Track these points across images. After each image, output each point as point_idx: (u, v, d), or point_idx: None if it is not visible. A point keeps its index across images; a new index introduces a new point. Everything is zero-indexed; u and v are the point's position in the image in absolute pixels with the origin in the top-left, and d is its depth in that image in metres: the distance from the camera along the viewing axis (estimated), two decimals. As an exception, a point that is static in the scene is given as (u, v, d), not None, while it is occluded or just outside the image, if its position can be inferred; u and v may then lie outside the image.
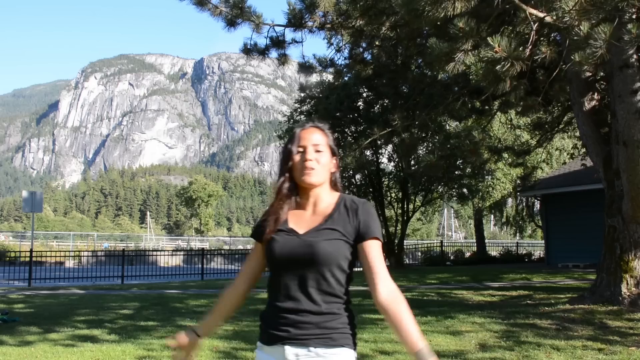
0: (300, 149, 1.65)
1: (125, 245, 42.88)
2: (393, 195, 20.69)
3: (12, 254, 22.25)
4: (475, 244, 26.20)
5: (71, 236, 43.48)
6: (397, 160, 18.92)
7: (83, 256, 21.89)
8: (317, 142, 1.65)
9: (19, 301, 10.06)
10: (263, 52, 8.29)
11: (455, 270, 15.90)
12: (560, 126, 11.85)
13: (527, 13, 4.98)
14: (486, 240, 28.95)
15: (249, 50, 8.26)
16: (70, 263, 20.54)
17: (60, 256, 21.04)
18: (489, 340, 5.64)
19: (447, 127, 16.44)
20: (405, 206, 19.67)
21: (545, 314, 7.13)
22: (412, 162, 16.94)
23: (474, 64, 4.86)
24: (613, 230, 7.67)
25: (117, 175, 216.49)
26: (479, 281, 12.56)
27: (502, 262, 21.46)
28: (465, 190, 20.41)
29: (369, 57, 9.86)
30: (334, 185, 1.71)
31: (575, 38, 4.59)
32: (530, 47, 5.05)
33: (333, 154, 1.70)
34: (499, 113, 12.89)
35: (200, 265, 17.83)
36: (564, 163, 21.63)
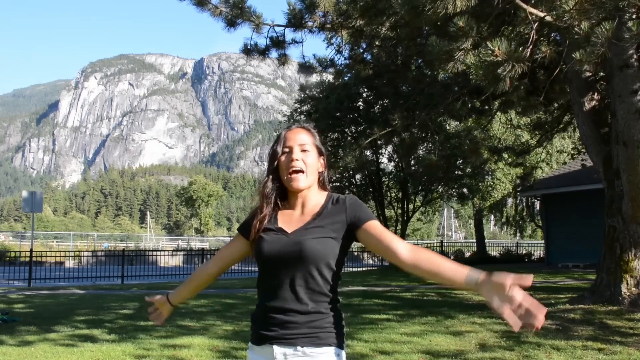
0: (286, 150, 1.65)
1: (125, 245, 42.88)
2: (393, 195, 20.69)
3: (12, 254, 22.25)
4: (475, 244, 26.21)
5: (71, 236, 43.46)
6: (397, 160, 18.92)
7: (83, 256, 21.89)
8: (303, 142, 1.65)
9: (19, 301, 10.06)
10: (263, 52, 8.29)
11: (455, 270, 15.86)
12: (560, 126, 11.84)
13: (528, 12, 4.97)
14: (486, 240, 28.96)
15: (249, 50, 8.26)
16: (70, 263, 20.54)
17: (60, 256, 21.04)
18: (489, 340, 5.64)
19: (447, 127, 16.44)
20: (405, 206, 19.67)
21: (545, 314, 7.13)
22: (412, 162, 16.94)
23: (474, 64, 4.86)
24: (613, 230, 7.67)
25: (117, 175, 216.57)
26: (479, 281, 12.55)
27: (502, 262, 21.47)
28: (465, 190, 20.41)
29: (369, 57, 9.85)
30: (322, 185, 1.71)
31: (576, 37, 4.59)
32: (530, 47, 5.04)
33: (320, 153, 1.70)
34: (499, 113, 12.88)
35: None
36: (564, 163, 21.65)
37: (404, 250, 1.52)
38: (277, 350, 1.57)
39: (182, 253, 25.32)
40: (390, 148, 17.94)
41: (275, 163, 1.66)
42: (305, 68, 9.00)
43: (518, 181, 20.56)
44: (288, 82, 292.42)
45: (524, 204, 27.08)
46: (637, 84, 6.81)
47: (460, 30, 4.82)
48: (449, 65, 5.13)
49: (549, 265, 16.80)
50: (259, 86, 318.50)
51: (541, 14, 4.93)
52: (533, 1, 5.09)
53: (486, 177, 21.03)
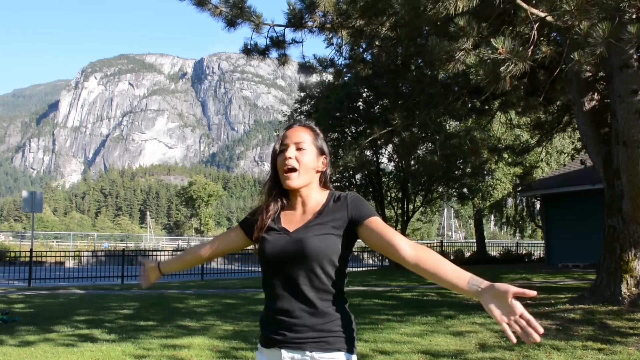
0: (283, 148, 1.65)
1: (125, 245, 42.88)
2: (393, 195, 20.69)
3: (12, 254, 22.26)
4: (475, 244, 26.20)
5: (71, 236, 43.48)
6: (397, 160, 18.92)
7: (83, 256, 21.90)
8: (299, 140, 1.64)
9: (19, 301, 10.06)
10: (263, 52, 8.28)
11: (455, 270, 15.88)
12: (560, 126, 11.85)
13: (528, 13, 4.98)
14: (486, 240, 28.95)
15: (249, 50, 8.25)
16: (70, 263, 20.54)
17: (60, 256, 21.04)
18: (489, 340, 5.64)
19: (447, 127, 16.44)
20: (405, 206, 19.68)
21: (545, 314, 7.12)
22: (412, 162, 16.95)
23: (475, 64, 4.86)
24: (613, 230, 7.67)
25: (117, 175, 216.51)
26: (479, 281, 12.55)
27: (502, 262, 21.47)
28: (465, 190, 20.42)
29: (369, 57, 9.85)
30: (324, 184, 1.70)
31: (576, 37, 4.59)
32: (531, 47, 5.04)
33: (322, 152, 1.68)
34: (498, 113, 12.88)
35: (200, 265, 17.83)
36: (564, 165, 21.65)
37: (407, 247, 1.49)
38: (286, 354, 1.55)
39: (182, 253, 25.25)
40: (390, 148, 17.94)
41: (275, 162, 1.67)
42: (305, 68, 8.99)
43: (518, 181, 20.59)
44: (288, 82, 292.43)
45: (524, 204, 27.09)
46: (637, 83, 6.81)
47: (461, 30, 4.82)
48: (449, 66, 5.13)
49: (549, 265, 16.80)
50: (259, 86, 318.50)
51: (542, 14, 4.94)
52: (534, 1, 5.09)
53: (486, 177, 21.03)
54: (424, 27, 7.33)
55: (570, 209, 16.26)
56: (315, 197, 1.66)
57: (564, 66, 7.01)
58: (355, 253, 21.89)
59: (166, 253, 24.07)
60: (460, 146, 10.80)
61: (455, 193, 20.92)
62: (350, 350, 1.56)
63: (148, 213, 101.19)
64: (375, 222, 1.56)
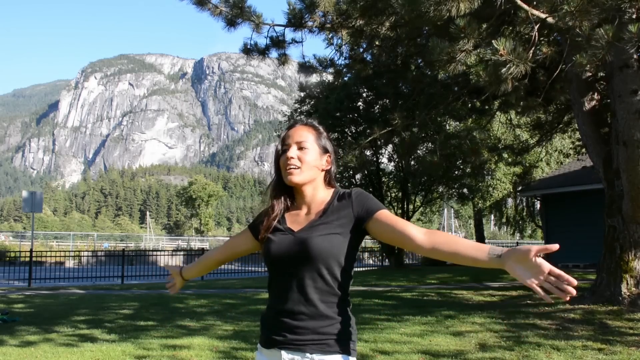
0: (285, 148, 1.63)
1: (125, 245, 42.90)
2: (393, 195, 20.69)
3: (12, 254, 22.26)
4: (475, 244, 26.14)
5: (71, 236, 43.46)
6: (397, 160, 18.92)
7: (83, 256, 21.90)
8: (301, 139, 1.62)
9: (19, 301, 10.06)
10: (263, 52, 8.28)
11: (455, 270, 15.90)
12: (560, 126, 11.85)
13: (529, 13, 4.98)
14: (486, 240, 28.98)
15: (249, 50, 8.25)
16: (70, 263, 20.55)
17: (60, 256, 21.04)
18: (489, 340, 5.64)
19: (447, 127, 16.44)
20: (405, 206, 19.67)
21: (545, 314, 7.13)
22: (412, 162, 16.95)
23: (475, 64, 4.86)
24: (613, 230, 7.67)
25: (117, 175, 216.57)
26: (479, 281, 12.56)
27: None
28: (465, 190, 20.41)
29: (369, 57, 9.85)
30: (328, 183, 1.68)
31: (577, 39, 4.59)
32: (532, 48, 5.04)
33: (325, 151, 1.66)
34: (498, 113, 12.88)
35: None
36: (561, 163, 21.66)
37: (420, 234, 1.47)
38: (286, 356, 1.54)
39: (182, 253, 25.31)
40: (390, 148, 17.94)
41: (278, 162, 1.66)
42: (305, 68, 8.99)
43: (518, 180, 20.59)
44: (288, 82, 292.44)
45: (524, 204, 27.09)
46: (637, 83, 6.81)
47: (462, 31, 4.82)
48: (449, 67, 5.13)
49: (549, 265, 16.77)
50: (259, 86, 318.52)
51: (542, 15, 4.94)
52: (535, 2, 5.09)
53: (486, 177, 21.03)
54: (424, 27, 7.33)
55: (570, 209, 16.27)
56: (321, 196, 1.64)
57: (564, 66, 7.01)
58: (356, 253, 21.85)
59: (166, 253, 24.09)
60: (460, 146, 10.80)
61: (455, 193, 20.91)
62: (350, 353, 1.55)
63: (148, 213, 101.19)
64: (384, 214, 1.54)
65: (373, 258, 24.79)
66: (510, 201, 27.59)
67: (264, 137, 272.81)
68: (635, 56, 6.91)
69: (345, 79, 15.78)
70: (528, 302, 8.42)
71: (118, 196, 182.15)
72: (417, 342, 5.56)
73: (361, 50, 9.57)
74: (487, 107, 10.87)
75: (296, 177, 1.59)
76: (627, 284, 7.39)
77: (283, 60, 8.43)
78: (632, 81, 6.81)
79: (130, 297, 10.69)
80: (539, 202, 20.85)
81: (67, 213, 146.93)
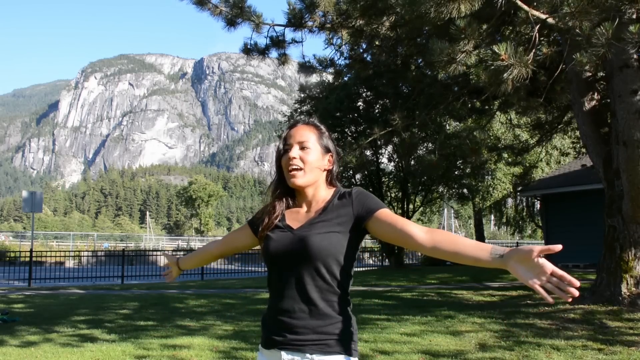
0: (287, 148, 1.62)
1: (125, 245, 42.89)
2: (393, 195, 20.69)
3: (12, 254, 22.26)
4: (475, 244, 26.13)
5: (71, 236, 43.48)
6: (397, 160, 18.93)
7: (83, 256, 21.90)
8: (302, 140, 1.61)
9: (19, 301, 10.06)
10: (263, 52, 8.28)
11: (455, 270, 15.91)
12: (560, 126, 11.85)
13: (529, 14, 4.97)
14: (486, 240, 28.96)
15: (249, 50, 8.25)
16: (70, 263, 20.55)
17: (60, 256, 21.04)
18: (489, 340, 5.64)
19: (447, 127, 16.46)
20: (405, 206, 19.67)
21: (545, 314, 7.13)
22: (412, 162, 16.95)
23: (475, 65, 4.86)
24: (613, 230, 7.67)
25: (117, 175, 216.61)
26: (479, 281, 12.57)
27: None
28: (465, 190, 20.41)
29: (369, 57, 9.85)
30: (330, 182, 1.67)
31: (577, 39, 4.59)
32: (533, 50, 5.04)
33: (327, 150, 1.65)
34: (498, 113, 12.89)
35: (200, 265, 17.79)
36: (558, 162, 21.65)
37: (421, 233, 1.45)
38: (286, 356, 1.53)
39: (182, 253, 25.27)
40: (390, 148, 17.94)
41: (279, 161, 1.65)
42: (305, 68, 8.99)
43: (518, 181, 20.59)
44: (288, 82, 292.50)
45: (524, 204, 27.08)
46: (637, 83, 6.81)
47: (462, 31, 4.82)
48: (450, 68, 5.13)
49: (549, 265, 16.78)
50: (259, 86, 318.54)
51: (542, 16, 4.93)
52: (535, 3, 5.09)
53: (486, 177, 21.04)
54: (424, 27, 7.33)
55: (570, 209, 16.27)
56: (322, 195, 1.63)
57: (564, 66, 7.01)
58: (355, 253, 21.86)
59: (166, 253, 24.06)
60: (460, 146, 10.81)
61: (455, 193, 20.91)
62: (351, 353, 1.54)
63: (148, 213, 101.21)
64: (385, 213, 1.53)
65: (373, 258, 24.79)
66: (510, 201, 27.59)
67: (264, 137, 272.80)
68: (635, 56, 6.91)
69: (345, 79, 15.78)
70: (528, 302, 8.42)
71: (118, 196, 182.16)
72: (417, 342, 5.56)
73: (361, 50, 9.57)
74: (487, 107, 10.87)
75: (299, 180, 1.58)
76: (627, 284, 7.39)
77: (283, 60, 8.43)
78: (632, 81, 6.81)
79: (130, 297, 10.69)
80: (539, 202, 20.85)
81: (67, 213, 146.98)
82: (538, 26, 5.22)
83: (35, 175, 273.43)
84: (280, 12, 8.12)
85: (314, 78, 16.78)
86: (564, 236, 16.50)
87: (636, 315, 6.69)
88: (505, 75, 4.67)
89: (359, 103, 18.35)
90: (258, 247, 1.74)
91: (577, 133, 11.51)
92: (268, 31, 7.98)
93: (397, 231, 1.49)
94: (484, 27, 5.58)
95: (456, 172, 18.00)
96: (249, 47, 8.23)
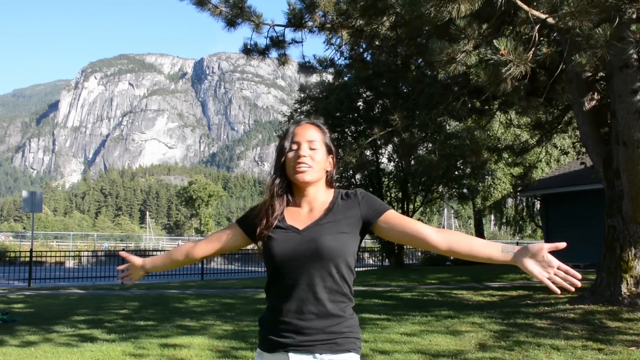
0: (294, 146, 1.60)
1: (125, 245, 42.91)
2: (393, 195, 20.69)
3: (12, 254, 22.27)
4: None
5: (71, 236, 43.49)
6: (397, 160, 18.93)
7: (83, 256, 21.90)
8: (311, 139, 1.61)
9: (19, 301, 10.06)
10: (263, 52, 8.28)
11: (455, 270, 15.91)
12: (560, 126, 11.84)
13: (529, 14, 4.97)
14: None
15: (249, 50, 8.25)
16: (70, 263, 20.54)
17: (60, 256, 21.04)
18: (489, 340, 5.64)
19: (447, 127, 16.45)
20: (405, 206, 19.67)
21: (545, 314, 7.13)
22: (412, 162, 16.95)
23: (475, 64, 4.86)
24: (613, 230, 7.67)
25: (117, 175, 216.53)
26: (479, 281, 12.57)
27: (502, 262, 21.38)
28: (465, 190, 20.41)
29: (369, 57, 9.85)
30: (329, 183, 1.67)
31: (577, 39, 4.59)
32: (532, 48, 5.04)
33: (329, 151, 1.66)
34: (498, 113, 12.88)
35: (200, 265, 17.83)
36: (557, 161, 21.64)
37: (434, 234, 1.53)
38: (294, 358, 1.51)
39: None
40: (390, 148, 17.94)
41: (283, 159, 1.62)
42: (305, 68, 8.99)
43: (518, 181, 20.59)
44: (288, 82, 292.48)
45: (524, 204, 27.07)
46: (637, 83, 6.81)
47: (462, 31, 4.82)
48: (450, 67, 5.13)
49: (549, 265, 16.77)
50: (259, 86, 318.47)
51: (542, 16, 4.93)
52: (534, 3, 5.09)
53: (486, 177, 21.03)
54: (424, 27, 7.32)
55: (570, 209, 16.27)
56: (322, 195, 1.63)
57: (564, 66, 7.01)
58: (355, 253, 21.86)
59: (166, 253, 24.07)
60: (460, 146, 10.80)
61: (455, 193, 20.91)
62: (358, 351, 1.55)
63: (148, 213, 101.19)
64: (393, 215, 1.58)
65: (373, 258, 24.79)
66: (510, 201, 27.58)
67: (264, 137, 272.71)
68: (635, 56, 6.91)
69: (345, 79, 15.77)
70: (528, 302, 8.42)
71: (118, 196, 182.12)
72: (416, 342, 5.56)
73: (361, 50, 9.57)
74: (487, 107, 10.87)
75: (308, 176, 1.58)
76: (627, 283, 7.39)
77: (283, 60, 8.43)
78: (632, 81, 6.81)
79: (130, 297, 10.69)
80: (539, 202, 20.85)
81: (67, 213, 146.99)
82: (538, 26, 5.21)
83: (35, 175, 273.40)
84: (280, 12, 8.14)
85: (314, 78, 16.77)
86: (564, 236, 16.38)
87: (636, 315, 6.69)
88: (504, 71, 4.67)
89: (359, 103, 18.35)
90: (249, 247, 1.72)
91: (577, 133, 11.50)
92: (268, 31, 7.99)
93: (409, 233, 1.55)
94: (484, 27, 5.57)
95: (456, 172, 18.00)
96: (249, 47, 8.23)
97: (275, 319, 1.55)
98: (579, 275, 1.40)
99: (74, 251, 27.53)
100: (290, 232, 1.56)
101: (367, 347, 5.34)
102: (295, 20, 7.66)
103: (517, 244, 27.72)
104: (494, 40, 4.77)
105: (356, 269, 1.64)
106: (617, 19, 4.71)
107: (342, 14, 7.40)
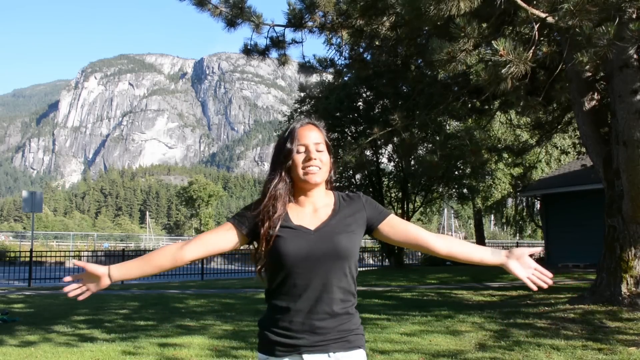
0: (302, 148, 1.60)
1: (125, 245, 42.91)
2: (393, 195, 20.69)
3: (12, 254, 22.27)
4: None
5: (71, 236, 43.51)
6: (397, 160, 18.92)
7: (83, 256, 21.89)
8: (317, 141, 1.62)
9: (19, 301, 10.06)
10: (263, 52, 8.28)
11: (455, 270, 15.91)
12: (560, 126, 11.84)
13: (529, 13, 4.97)
14: (486, 240, 28.95)
15: (249, 50, 8.25)
16: (70, 263, 20.54)
17: (60, 256, 21.03)
18: (489, 340, 5.64)
19: (447, 127, 16.45)
20: (405, 206, 19.67)
21: (545, 314, 7.12)
22: (412, 162, 16.95)
23: (475, 64, 4.86)
24: (613, 230, 7.66)
25: (117, 175, 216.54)
26: (479, 281, 12.56)
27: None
28: (465, 190, 20.41)
29: (369, 57, 9.84)
30: (327, 184, 1.69)
31: (578, 38, 4.59)
32: (532, 48, 5.04)
33: (330, 152, 1.67)
34: (498, 113, 12.88)
35: (200, 265, 17.83)
36: (558, 160, 21.63)
37: (435, 239, 1.67)
38: (308, 359, 1.50)
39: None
40: (390, 148, 17.95)
41: (289, 161, 1.59)
42: (305, 68, 8.99)
43: (518, 181, 20.59)
44: (288, 82, 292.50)
45: (524, 204, 27.08)
46: (637, 83, 6.81)
47: (462, 30, 4.82)
48: (450, 67, 5.13)
49: (549, 265, 16.78)
50: (259, 86, 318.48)
51: (542, 15, 4.93)
52: (535, 2, 5.09)
53: (486, 177, 21.03)
54: (424, 27, 7.32)
55: (570, 209, 16.27)
56: (323, 195, 1.65)
57: (564, 66, 7.01)
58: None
59: (166, 253, 24.06)
60: (460, 146, 10.80)
61: (455, 193, 20.92)
62: (364, 347, 1.60)
63: (148, 213, 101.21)
64: (396, 219, 1.67)
65: (373, 258, 24.79)
66: (510, 201, 27.59)
67: (264, 137, 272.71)
68: (635, 56, 6.91)
69: (345, 79, 15.79)
70: (528, 302, 8.42)
71: (118, 196, 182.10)
72: (416, 342, 5.56)
73: (361, 50, 9.57)
74: (487, 107, 10.86)
75: (318, 177, 1.60)
76: (627, 283, 7.38)
77: (283, 60, 8.43)
78: (632, 81, 6.80)
79: (130, 297, 10.69)
80: (539, 202, 20.86)
81: (67, 213, 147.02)
82: (538, 25, 5.21)
83: (35, 175, 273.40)
84: (280, 12, 8.13)
85: (314, 78, 16.78)
86: (564, 236, 16.53)
87: (636, 315, 6.68)
88: (504, 71, 4.67)
89: (359, 103, 18.35)
90: (243, 247, 1.68)
91: (577, 133, 11.50)
92: (268, 31, 7.99)
93: (411, 237, 1.66)
94: (484, 26, 5.57)
95: (456, 172, 18.00)
96: (249, 47, 8.23)
97: (284, 320, 1.53)
98: (550, 275, 1.64)
99: (74, 251, 27.54)
100: (301, 231, 1.54)
101: (367, 347, 5.31)
102: (295, 21, 7.66)
103: (517, 244, 27.73)
104: (493, 41, 4.77)
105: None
106: (617, 19, 4.71)
107: (342, 14, 7.40)
